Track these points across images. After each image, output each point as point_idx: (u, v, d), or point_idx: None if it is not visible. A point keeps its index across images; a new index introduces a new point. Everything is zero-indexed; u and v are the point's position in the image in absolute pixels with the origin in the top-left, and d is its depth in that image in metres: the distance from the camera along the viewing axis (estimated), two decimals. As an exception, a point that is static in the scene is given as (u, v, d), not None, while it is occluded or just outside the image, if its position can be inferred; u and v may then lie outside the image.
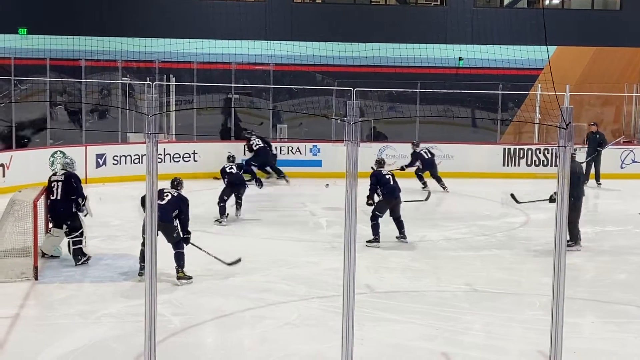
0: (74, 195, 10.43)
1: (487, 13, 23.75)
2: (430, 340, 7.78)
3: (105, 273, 10.01)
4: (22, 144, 19.24)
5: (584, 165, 16.48)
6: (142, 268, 9.29)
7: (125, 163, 18.07)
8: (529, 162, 20.16)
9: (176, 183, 9.96)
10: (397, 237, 12.04)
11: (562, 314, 4.86)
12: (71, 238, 10.31)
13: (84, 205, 10.49)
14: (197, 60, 20.94)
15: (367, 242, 11.61)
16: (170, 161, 18.47)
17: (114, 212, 12.12)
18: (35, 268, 9.57)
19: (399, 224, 12.05)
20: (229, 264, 10.10)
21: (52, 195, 10.44)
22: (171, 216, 9.46)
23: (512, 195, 13.67)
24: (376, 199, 11.84)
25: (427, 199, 14.33)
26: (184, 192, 9.91)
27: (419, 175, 17.47)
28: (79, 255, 10.30)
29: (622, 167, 20.11)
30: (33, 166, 16.24)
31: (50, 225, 10.62)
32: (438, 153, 18.94)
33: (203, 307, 8.74)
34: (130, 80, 20.66)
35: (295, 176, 18.57)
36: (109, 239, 11.85)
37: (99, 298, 9.00)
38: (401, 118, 20.81)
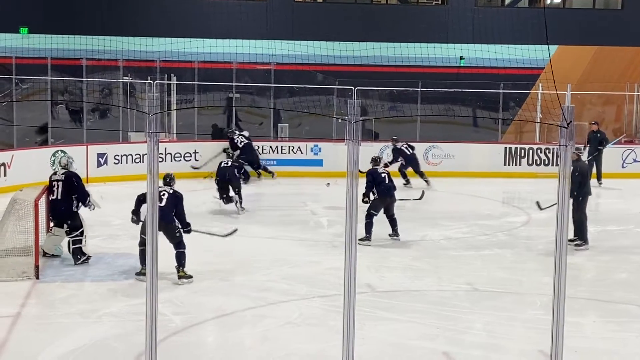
0: (75, 194, 10.44)
1: (488, 12, 23.71)
2: (431, 339, 7.77)
3: (106, 272, 10.01)
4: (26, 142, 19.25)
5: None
6: (142, 268, 9.28)
7: (127, 162, 18.07)
8: (530, 162, 20.14)
9: (169, 179, 9.87)
10: (389, 235, 12.07)
11: (563, 313, 4.86)
12: (71, 237, 10.32)
13: (89, 202, 10.53)
14: (198, 59, 20.96)
15: (359, 240, 11.59)
16: (172, 160, 18.47)
17: (115, 212, 12.11)
18: (37, 267, 9.58)
19: (392, 222, 12.10)
20: (225, 236, 10.11)
21: (53, 195, 10.45)
22: (172, 216, 9.47)
23: (537, 203, 13.25)
24: (371, 197, 11.87)
25: (421, 197, 14.32)
26: (177, 187, 9.83)
27: (402, 172, 17.47)
28: (78, 255, 10.30)
29: (623, 167, 20.09)
30: (34, 165, 16.23)
31: (52, 224, 10.63)
32: (439, 152, 18.95)
33: (204, 306, 8.74)
34: (131, 80, 20.64)
35: (296, 175, 18.58)
36: (110, 238, 11.85)
37: (100, 297, 9.00)
38: (402, 117, 20.78)
